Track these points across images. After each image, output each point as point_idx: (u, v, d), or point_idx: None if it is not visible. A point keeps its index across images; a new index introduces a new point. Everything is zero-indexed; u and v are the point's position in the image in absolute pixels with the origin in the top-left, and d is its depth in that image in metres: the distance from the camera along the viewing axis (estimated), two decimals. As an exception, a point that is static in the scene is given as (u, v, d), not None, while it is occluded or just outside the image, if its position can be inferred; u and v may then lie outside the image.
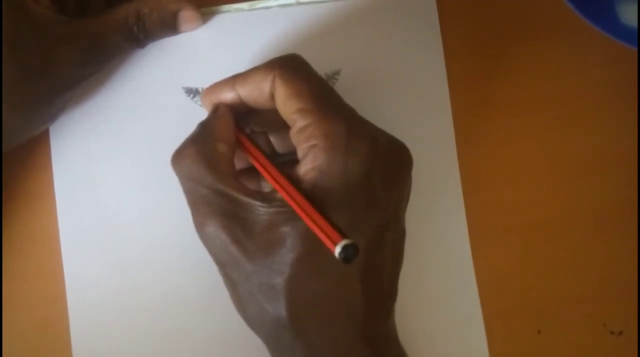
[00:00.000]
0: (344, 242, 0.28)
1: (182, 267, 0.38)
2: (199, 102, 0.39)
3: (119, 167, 0.39)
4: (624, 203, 0.39)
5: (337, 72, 0.39)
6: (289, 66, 0.32)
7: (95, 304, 0.38)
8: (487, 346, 0.38)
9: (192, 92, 0.39)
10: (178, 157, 0.33)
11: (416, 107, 0.39)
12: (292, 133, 0.32)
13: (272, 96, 0.32)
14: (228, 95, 0.34)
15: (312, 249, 0.30)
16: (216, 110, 0.34)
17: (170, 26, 0.38)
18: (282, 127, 0.33)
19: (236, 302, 0.33)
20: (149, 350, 0.38)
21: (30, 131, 0.37)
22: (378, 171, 0.31)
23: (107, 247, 0.38)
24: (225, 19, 0.39)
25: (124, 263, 0.38)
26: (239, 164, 0.34)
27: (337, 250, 0.28)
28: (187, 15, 0.38)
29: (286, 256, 0.30)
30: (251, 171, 0.35)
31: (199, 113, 0.39)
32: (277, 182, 0.31)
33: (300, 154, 0.31)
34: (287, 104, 0.31)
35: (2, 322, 0.38)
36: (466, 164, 0.39)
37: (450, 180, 0.39)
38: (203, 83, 0.39)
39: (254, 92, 0.33)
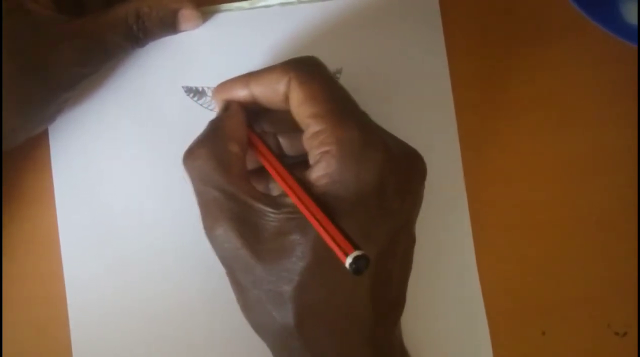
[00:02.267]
0: (355, 253, 0.28)
1: (183, 267, 0.38)
2: (199, 102, 0.39)
3: (118, 167, 0.38)
4: (626, 202, 0.39)
5: (339, 71, 0.39)
6: (305, 69, 0.32)
7: (95, 305, 0.38)
8: (491, 348, 0.38)
9: (192, 91, 0.39)
10: (190, 157, 0.32)
11: (419, 106, 0.39)
12: (305, 137, 0.31)
13: (286, 98, 0.32)
14: (241, 93, 0.33)
15: (321, 258, 0.30)
16: (227, 108, 0.33)
17: (170, 25, 0.37)
18: (293, 129, 0.32)
19: (243, 307, 0.33)
20: (150, 351, 0.37)
21: (29, 131, 0.36)
22: (391, 180, 0.31)
23: (107, 248, 0.38)
24: (226, 18, 0.39)
25: (123, 263, 0.38)
26: (248, 164, 0.34)
27: (348, 261, 0.28)
28: (187, 14, 0.37)
29: (296, 264, 0.30)
30: (259, 172, 0.34)
31: (199, 112, 0.39)
32: (288, 186, 0.30)
33: (312, 160, 0.31)
34: (302, 108, 0.31)
35: (2, 323, 0.38)
36: (469, 165, 0.39)
37: (454, 180, 0.39)
38: (203, 82, 0.39)
39: (268, 92, 0.32)
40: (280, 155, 0.35)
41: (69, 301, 0.37)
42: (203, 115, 0.38)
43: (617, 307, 0.38)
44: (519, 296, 0.38)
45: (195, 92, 0.39)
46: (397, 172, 0.31)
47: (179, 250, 0.38)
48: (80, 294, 0.38)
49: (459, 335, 0.38)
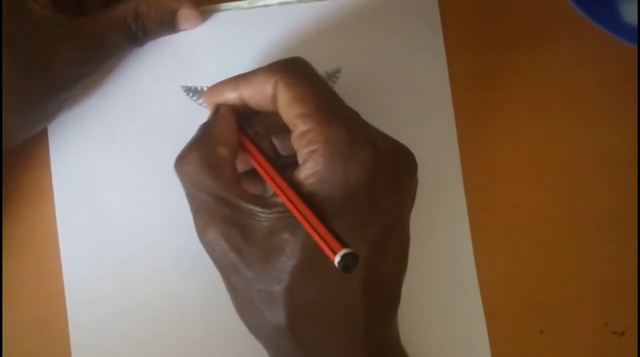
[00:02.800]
0: (343, 251, 0.28)
1: (181, 266, 0.38)
2: (198, 101, 0.39)
3: (117, 167, 0.38)
4: (626, 202, 0.39)
5: (338, 71, 0.39)
6: (291, 70, 0.32)
7: (94, 304, 0.38)
8: (489, 347, 0.38)
9: (191, 91, 0.39)
10: (181, 163, 0.32)
11: (417, 106, 0.39)
12: (293, 138, 0.31)
13: (274, 99, 0.32)
14: (230, 96, 0.33)
15: (311, 257, 0.30)
16: (217, 111, 0.34)
17: (169, 24, 0.37)
18: (285, 129, 0.33)
19: (237, 308, 0.33)
20: (148, 350, 0.37)
21: (28, 130, 0.36)
22: (380, 178, 0.31)
23: (105, 247, 0.38)
24: (225, 17, 0.39)
25: (122, 263, 0.38)
26: (244, 166, 0.34)
27: (337, 259, 0.28)
28: (186, 13, 0.37)
29: (285, 263, 0.30)
30: (256, 173, 0.35)
31: (198, 112, 0.39)
32: (278, 186, 0.30)
33: (300, 159, 0.31)
34: (289, 108, 0.31)
35: (1, 322, 0.38)
36: (468, 164, 0.39)
37: (452, 180, 0.39)
38: (202, 82, 0.39)
39: (256, 95, 0.32)
40: (275, 156, 0.35)
41: (67, 300, 0.38)
42: (202, 114, 0.38)
43: (615, 307, 0.38)
44: (517, 295, 0.38)
45: (195, 92, 0.39)
46: (386, 169, 0.31)
47: (178, 249, 0.38)
48: (79, 293, 0.38)
49: (457, 334, 0.38)
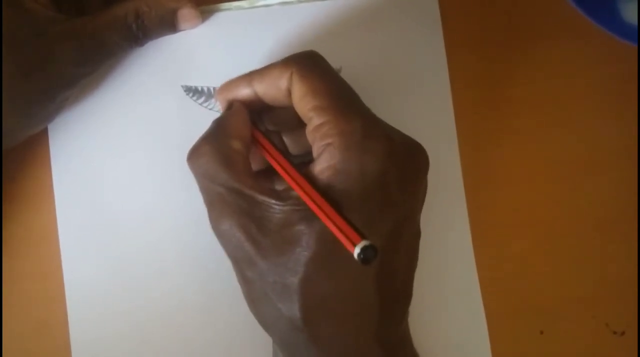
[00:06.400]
0: (363, 243, 0.28)
1: (182, 266, 0.38)
2: (199, 101, 0.39)
3: (118, 166, 0.38)
4: (626, 202, 0.39)
5: (339, 70, 0.39)
6: (306, 63, 0.32)
7: (95, 304, 0.38)
8: (489, 347, 0.38)
9: (191, 90, 0.39)
10: (194, 155, 0.32)
11: (418, 106, 0.39)
12: (308, 131, 0.31)
13: (289, 93, 0.32)
14: (244, 92, 0.33)
15: (327, 249, 0.30)
16: (231, 107, 0.34)
17: (169, 24, 0.37)
18: (296, 126, 0.33)
19: (250, 300, 0.33)
20: (149, 350, 0.37)
21: (28, 130, 0.36)
22: (394, 171, 0.31)
23: (106, 247, 0.38)
24: (225, 17, 0.39)
25: (123, 263, 0.38)
26: (252, 165, 0.34)
27: (357, 251, 0.28)
28: (186, 13, 0.37)
29: (301, 255, 0.30)
30: (264, 172, 0.35)
31: (198, 112, 0.39)
32: (293, 179, 0.30)
33: (315, 153, 0.31)
34: (304, 101, 0.31)
35: (1, 323, 0.38)
36: (468, 164, 0.39)
37: (453, 179, 0.39)
38: (202, 82, 0.39)
39: (271, 89, 0.32)
40: (286, 154, 0.35)
41: (68, 300, 0.38)
42: (202, 114, 0.38)
43: (616, 307, 0.39)
44: (518, 295, 0.38)
45: (195, 92, 0.39)
46: (399, 164, 0.31)
47: (178, 249, 0.38)
48: (79, 293, 0.38)
49: (458, 334, 0.38)
